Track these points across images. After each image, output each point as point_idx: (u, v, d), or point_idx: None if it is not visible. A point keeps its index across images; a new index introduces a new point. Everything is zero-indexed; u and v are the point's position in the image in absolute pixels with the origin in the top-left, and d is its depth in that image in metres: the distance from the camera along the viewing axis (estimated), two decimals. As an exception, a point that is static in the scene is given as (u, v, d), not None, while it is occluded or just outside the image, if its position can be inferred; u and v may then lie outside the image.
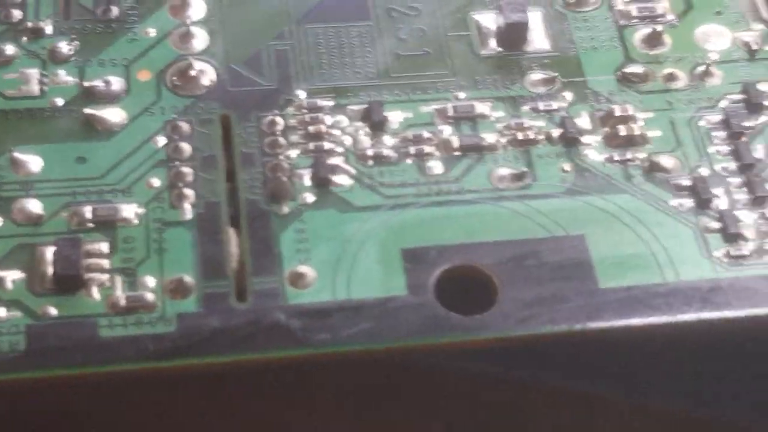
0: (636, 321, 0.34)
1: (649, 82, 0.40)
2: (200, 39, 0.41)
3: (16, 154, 0.37)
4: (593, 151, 0.38)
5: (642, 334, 0.34)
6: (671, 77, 0.40)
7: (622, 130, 0.38)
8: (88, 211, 0.36)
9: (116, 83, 0.39)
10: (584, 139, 0.38)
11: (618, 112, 0.39)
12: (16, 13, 0.41)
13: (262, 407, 0.35)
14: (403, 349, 0.33)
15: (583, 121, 0.39)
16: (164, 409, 0.35)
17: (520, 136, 0.38)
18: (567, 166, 0.38)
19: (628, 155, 0.38)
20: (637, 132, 0.38)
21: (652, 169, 0.37)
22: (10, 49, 0.40)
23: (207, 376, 0.33)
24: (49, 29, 0.40)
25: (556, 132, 0.38)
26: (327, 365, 0.33)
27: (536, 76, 0.40)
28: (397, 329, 0.34)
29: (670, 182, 0.37)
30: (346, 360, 0.33)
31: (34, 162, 0.37)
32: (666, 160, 0.38)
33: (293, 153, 0.38)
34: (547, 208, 0.36)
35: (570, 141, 0.38)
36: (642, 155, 0.38)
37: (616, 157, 0.38)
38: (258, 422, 0.35)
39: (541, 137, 0.38)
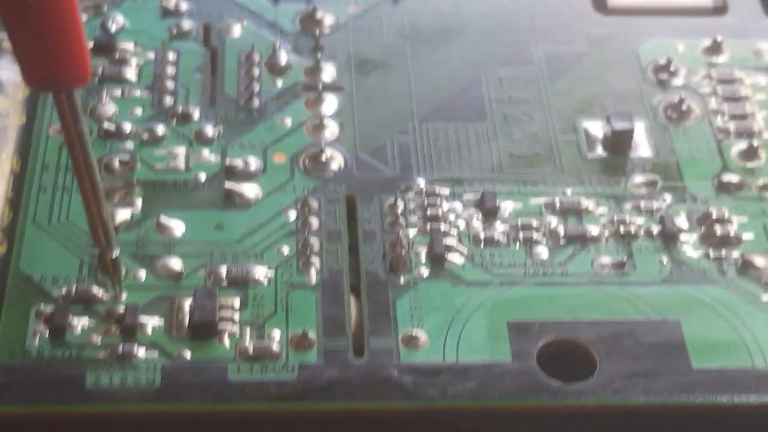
0: (725, 399, 0.36)
1: (744, 190, 0.43)
2: (332, 130, 0.44)
3: (162, 219, 0.40)
4: (690, 247, 0.41)
5: (730, 413, 0.36)
6: (766, 187, 0.43)
7: (718, 230, 0.41)
8: (223, 271, 0.39)
9: (254, 163, 0.43)
10: (682, 236, 0.41)
11: (714, 215, 0.41)
12: (168, 100, 0.45)
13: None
14: (505, 408, 0.36)
15: (681, 220, 0.42)
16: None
17: (621, 229, 0.41)
18: (664, 259, 0.40)
19: (723, 252, 0.40)
20: (731, 233, 0.41)
21: (745, 266, 0.40)
22: (160, 129, 0.44)
23: (323, 424, 0.36)
24: (196, 114, 0.44)
25: (655, 228, 0.41)
26: (435, 421, 0.36)
27: (639, 178, 0.43)
28: (501, 390, 0.36)
29: (762, 279, 0.40)
30: (451, 415, 0.36)
31: (176, 227, 0.41)
32: (758, 260, 0.40)
33: (411, 232, 0.41)
34: (644, 294, 0.39)
35: (668, 237, 0.41)
36: (735, 253, 0.40)
37: (712, 254, 0.40)
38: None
39: (642, 232, 0.41)
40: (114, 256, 0.37)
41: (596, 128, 0.45)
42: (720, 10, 0.50)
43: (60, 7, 0.33)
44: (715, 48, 0.48)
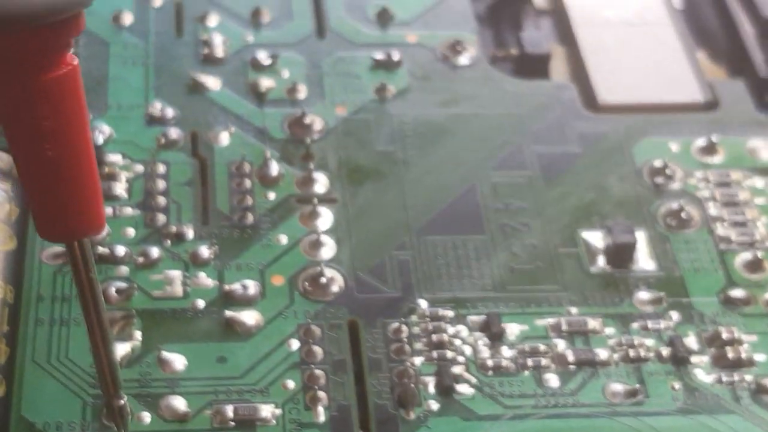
0: None
1: (751, 305, 0.42)
2: (329, 247, 0.43)
3: (163, 354, 0.39)
4: (702, 371, 0.40)
5: None
6: (773, 302, 0.43)
7: (729, 352, 0.40)
8: (229, 410, 0.38)
9: (252, 287, 0.42)
10: (693, 359, 0.41)
11: (724, 335, 0.41)
12: (161, 218, 0.44)
13: None
14: None
15: (691, 341, 0.41)
16: None
17: (631, 353, 0.41)
18: (677, 385, 0.40)
19: (736, 377, 0.40)
20: (743, 355, 0.40)
21: (759, 391, 0.40)
22: (155, 252, 0.42)
23: None
24: (190, 234, 0.43)
25: (665, 351, 0.41)
26: None
27: (644, 295, 0.43)
28: None
29: (775, 404, 0.39)
30: None
31: (178, 361, 0.40)
32: (771, 384, 0.40)
33: (418, 360, 0.40)
34: (660, 425, 0.39)
35: (679, 360, 0.41)
36: (749, 377, 0.40)
37: (724, 378, 0.40)
38: None
39: (651, 355, 0.41)
40: (121, 404, 0.36)
41: (596, 238, 0.44)
42: (711, 104, 0.50)
43: (79, 159, 0.32)
44: (709, 148, 0.48)
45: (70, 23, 0.32)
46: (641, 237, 0.44)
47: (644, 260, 0.44)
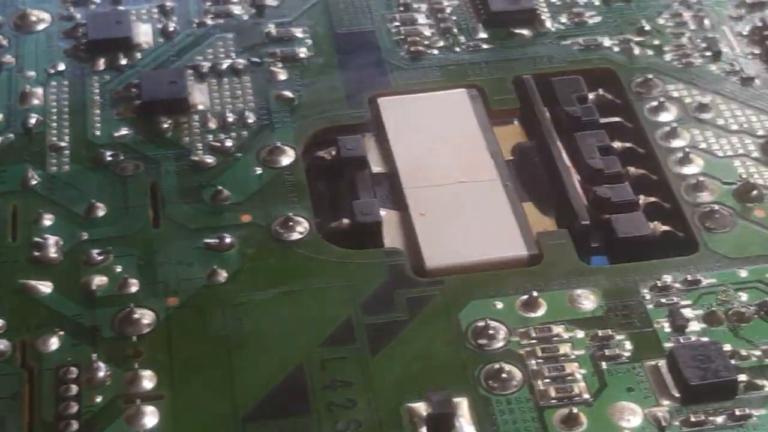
0: None
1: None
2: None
3: None
4: None
5: None
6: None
7: None
8: None
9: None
10: None
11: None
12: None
13: None
14: None
15: None
16: None
17: None
18: None
19: None
20: None
21: None
22: None
23: None
24: (13, 448, 0.44)
25: None
26: None
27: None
28: None
29: None
30: None
31: None
32: None
33: None
34: None
35: None
36: None
37: None
38: None
39: None
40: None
41: (420, 409, 0.45)
42: (536, 258, 0.51)
43: None
44: (531, 303, 0.49)
45: None
46: (464, 403, 0.45)
47: (467, 426, 0.45)
